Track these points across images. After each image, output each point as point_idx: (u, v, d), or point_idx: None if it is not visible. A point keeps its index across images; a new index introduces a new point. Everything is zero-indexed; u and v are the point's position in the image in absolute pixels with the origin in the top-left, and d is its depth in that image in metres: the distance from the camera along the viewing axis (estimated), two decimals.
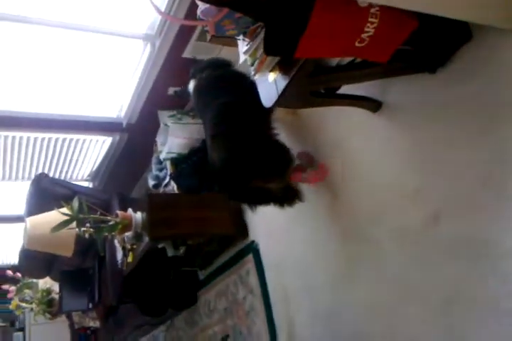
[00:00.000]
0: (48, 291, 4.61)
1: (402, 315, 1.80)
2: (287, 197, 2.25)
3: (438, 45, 1.60)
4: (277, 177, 2.10)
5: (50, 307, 4.55)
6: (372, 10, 1.32)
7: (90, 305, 4.06)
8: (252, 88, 1.94)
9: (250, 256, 2.96)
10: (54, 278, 4.40)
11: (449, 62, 1.64)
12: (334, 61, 1.68)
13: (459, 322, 1.57)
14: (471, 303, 1.53)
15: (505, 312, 1.43)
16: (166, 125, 3.32)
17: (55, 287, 4.43)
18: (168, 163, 3.34)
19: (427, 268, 1.70)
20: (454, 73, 1.63)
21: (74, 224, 2.52)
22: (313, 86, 1.70)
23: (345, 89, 1.93)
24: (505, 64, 1.48)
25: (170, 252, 3.17)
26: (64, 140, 3.65)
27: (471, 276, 1.53)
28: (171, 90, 3.36)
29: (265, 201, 2.23)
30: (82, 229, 2.53)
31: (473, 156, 1.55)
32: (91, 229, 2.55)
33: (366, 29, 1.35)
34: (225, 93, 2.21)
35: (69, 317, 5.13)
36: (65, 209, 2.51)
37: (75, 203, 2.51)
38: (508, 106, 1.46)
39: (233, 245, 3.17)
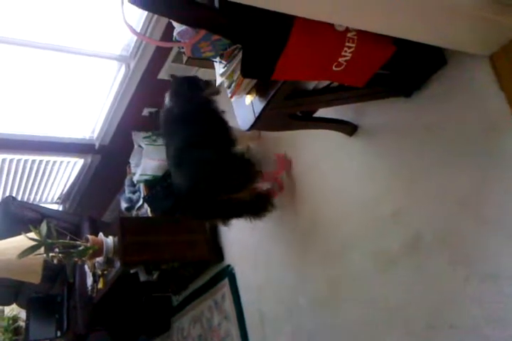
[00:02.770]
0: (15, 319, 4.47)
1: (385, 340, 1.77)
2: (258, 206, 2.20)
3: (413, 69, 1.62)
4: (243, 187, 2.09)
5: (17, 335, 4.37)
6: (350, 34, 1.32)
7: (59, 334, 3.88)
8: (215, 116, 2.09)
9: (226, 281, 2.90)
10: (21, 305, 4.23)
11: (424, 86, 1.65)
12: (311, 84, 1.67)
13: None
14: (452, 329, 1.50)
15: (485, 336, 1.41)
16: (140, 146, 3.28)
17: (22, 314, 4.27)
18: (141, 185, 3.29)
19: (407, 292, 1.68)
20: (429, 97, 1.65)
21: (42, 249, 2.43)
22: (290, 109, 1.69)
23: (322, 113, 1.93)
24: (478, 89, 1.49)
25: (142, 277, 3.07)
26: (33, 161, 3.56)
27: (452, 301, 1.51)
28: (146, 111, 3.33)
29: (237, 213, 2.18)
30: (51, 254, 2.44)
31: (450, 179, 1.55)
32: (60, 255, 2.46)
33: (343, 53, 1.35)
34: (189, 128, 2.15)
35: None
36: (32, 234, 2.42)
37: (43, 227, 2.42)
38: (482, 131, 1.47)
39: (208, 269, 3.10)
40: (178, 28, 1.41)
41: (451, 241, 1.53)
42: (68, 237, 2.58)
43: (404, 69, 1.61)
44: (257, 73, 1.42)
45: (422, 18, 1.23)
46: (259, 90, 1.56)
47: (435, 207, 1.60)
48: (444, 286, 1.54)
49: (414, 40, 1.31)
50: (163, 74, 2.98)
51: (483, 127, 1.47)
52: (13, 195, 3.82)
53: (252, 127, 1.63)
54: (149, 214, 3.25)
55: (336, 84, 1.63)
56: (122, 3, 1.31)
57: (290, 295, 2.33)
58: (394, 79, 1.66)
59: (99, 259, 2.77)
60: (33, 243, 2.40)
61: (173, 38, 1.45)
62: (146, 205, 3.26)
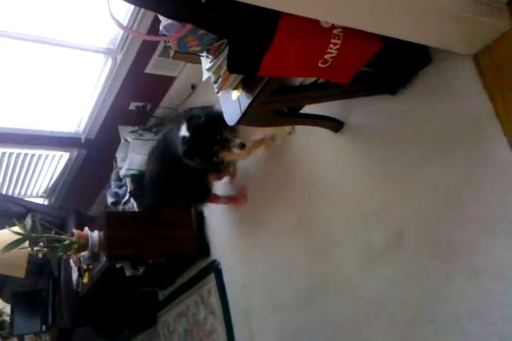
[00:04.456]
0: None
1: (369, 335, 1.78)
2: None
3: (399, 67, 1.63)
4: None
5: (1, 330, 4.33)
6: (335, 31, 1.33)
7: (43, 328, 3.86)
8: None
9: (212, 276, 2.90)
10: (5, 300, 4.19)
11: (409, 84, 1.66)
12: (297, 81, 1.68)
13: None
14: (434, 323, 1.53)
15: (465, 332, 1.43)
16: (126, 141, 3.26)
17: (7, 309, 4.23)
18: (128, 180, 3.27)
19: (391, 287, 1.70)
20: (414, 95, 1.66)
21: (27, 243, 2.41)
22: (276, 105, 1.69)
23: (309, 109, 1.93)
24: (462, 87, 1.51)
25: (128, 272, 3.07)
26: (18, 155, 3.52)
27: (434, 296, 1.54)
28: (133, 105, 3.31)
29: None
30: (35, 248, 2.42)
31: (435, 177, 1.57)
32: (45, 249, 2.44)
33: (329, 50, 1.36)
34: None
35: (21, 340, 4.89)
36: (17, 228, 2.40)
37: (28, 221, 2.40)
38: (465, 128, 1.49)
39: (194, 264, 3.10)
40: (164, 21, 1.40)
41: (434, 237, 1.55)
42: (53, 231, 2.56)
43: (389, 66, 1.61)
44: (243, 69, 1.42)
45: (408, 16, 1.24)
46: (246, 86, 1.55)
47: (419, 204, 1.62)
48: (427, 282, 1.57)
49: (399, 38, 1.32)
50: (150, 68, 2.96)
51: (467, 125, 1.48)
52: None
53: (239, 122, 1.63)
54: (135, 209, 3.24)
55: (322, 80, 1.63)
56: None
57: (276, 290, 2.34)
58: (379, 77, 1.66)
59: (85, 254, 2.76)
60: (18, 237, 2.38)
61: (160, 32, 1.44)
62: (132, 200, 3.25)
